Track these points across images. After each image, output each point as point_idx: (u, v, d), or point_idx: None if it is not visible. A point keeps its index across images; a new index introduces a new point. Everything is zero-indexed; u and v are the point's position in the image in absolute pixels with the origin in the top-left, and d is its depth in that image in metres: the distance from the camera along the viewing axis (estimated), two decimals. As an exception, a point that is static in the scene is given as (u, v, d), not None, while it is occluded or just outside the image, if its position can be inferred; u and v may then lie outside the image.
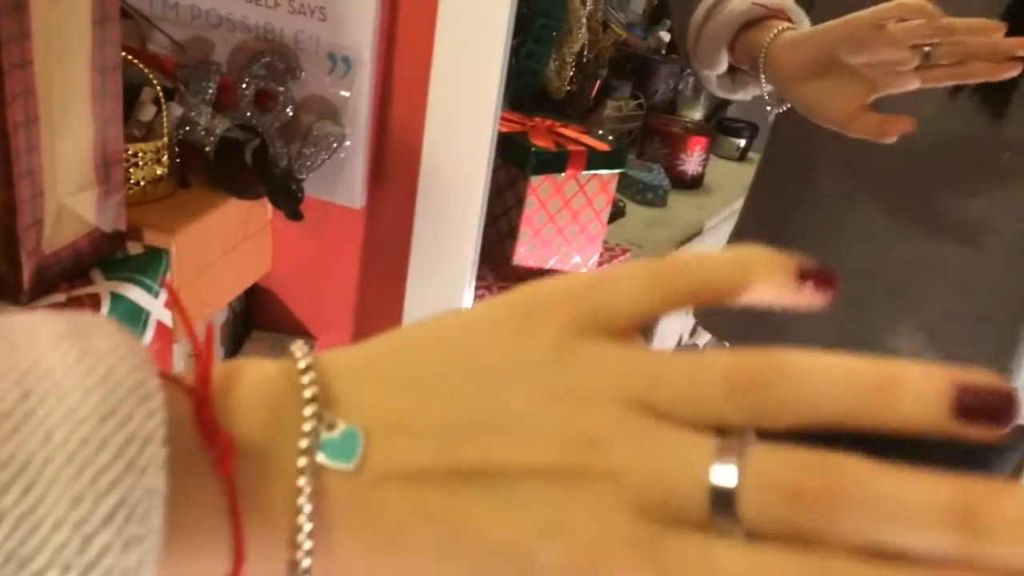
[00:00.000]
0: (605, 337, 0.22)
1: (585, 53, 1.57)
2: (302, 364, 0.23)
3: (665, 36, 1.79)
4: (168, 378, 0.22)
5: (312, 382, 0.22)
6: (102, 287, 0.70)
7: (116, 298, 0.71)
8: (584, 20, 1.52)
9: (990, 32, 0.67)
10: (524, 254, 1.12)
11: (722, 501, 0.20)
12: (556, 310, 0.23)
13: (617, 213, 1.44)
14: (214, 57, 0.86)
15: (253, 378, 0.23)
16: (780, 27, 0.79)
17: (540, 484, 0.21)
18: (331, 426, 0.22)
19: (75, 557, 0.18)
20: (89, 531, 0.18)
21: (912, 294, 0.91)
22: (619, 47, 1.68)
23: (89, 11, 0.66)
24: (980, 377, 0.20)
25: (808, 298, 0.23)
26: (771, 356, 0.21)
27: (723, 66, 0.87)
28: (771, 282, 0.23)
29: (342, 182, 0.87)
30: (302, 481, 0.21)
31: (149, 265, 0.74)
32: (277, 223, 0.91)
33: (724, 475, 0.20)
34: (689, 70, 1.78)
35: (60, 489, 0.18)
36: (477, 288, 1.09)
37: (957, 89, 0.82)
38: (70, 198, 0.68)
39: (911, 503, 0.19)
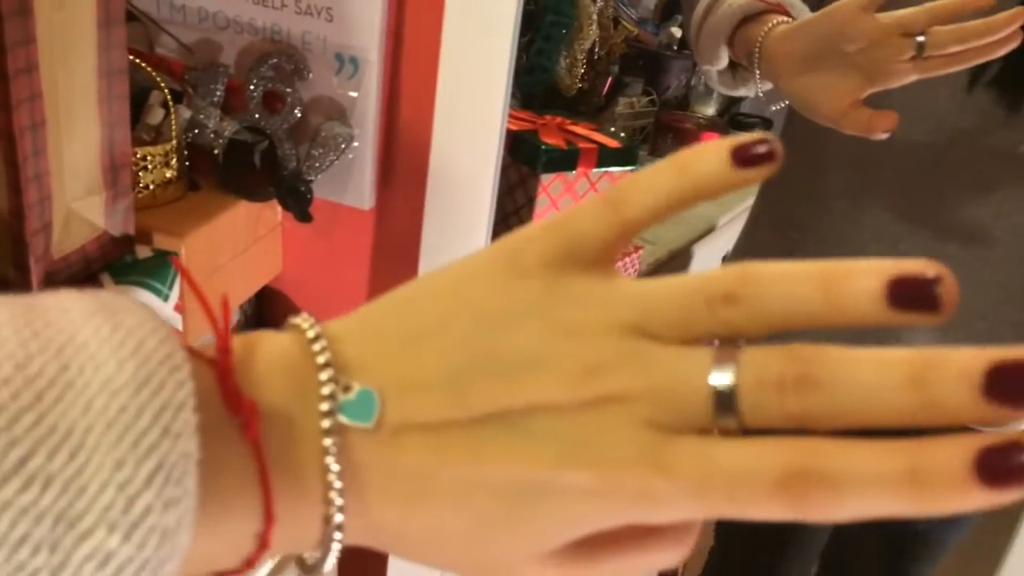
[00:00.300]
0: (586, 270, 0.24)
1: (596, 50, 1.56)
2: (311, 333, 0.24)
3: (677, 32, 1.78)
4: (190, 351, 0.23)
5: (324, 349, 0.23)
6: (111, 291, 0.70)
7: (125, 302, 0.71)
8: (595, 17, 1.51)
9: (980, 8, 0.65)
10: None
11: (723, 401, 0.22)
12: (534, 247, 0.24)
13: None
14: (222, 59, 0.86)
15: (270, 348, 0.24)
16: (775, 21, 0.77)
17: (553, 416, 0.22)
18: (347, 388, 0.23)
19: (120, 516, 0.18)
20: (132, 492, 0.19)
21: None
22: (630, 43, 1.67)
23: (94, 15, 0.66)
24: (912, 266, 0.21)
25: (753, 176, 0.24)
26: (741, 269, 0.23)
27: (723, 61, 0.86)
28: (712, 173, 0.24)
29: (351, 183, 0.86)
30: (327, 441, 0.22)
31: (158, 269, 0.74)
32: (287, 225, 0.91)
33: (722, 377, 0.22)
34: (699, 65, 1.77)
35: (103, 453, 0.19)
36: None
37: (973, 82, 0.80)
38: (78, 202, 0.68)
39: (875, 373, 0.21)
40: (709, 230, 1.50)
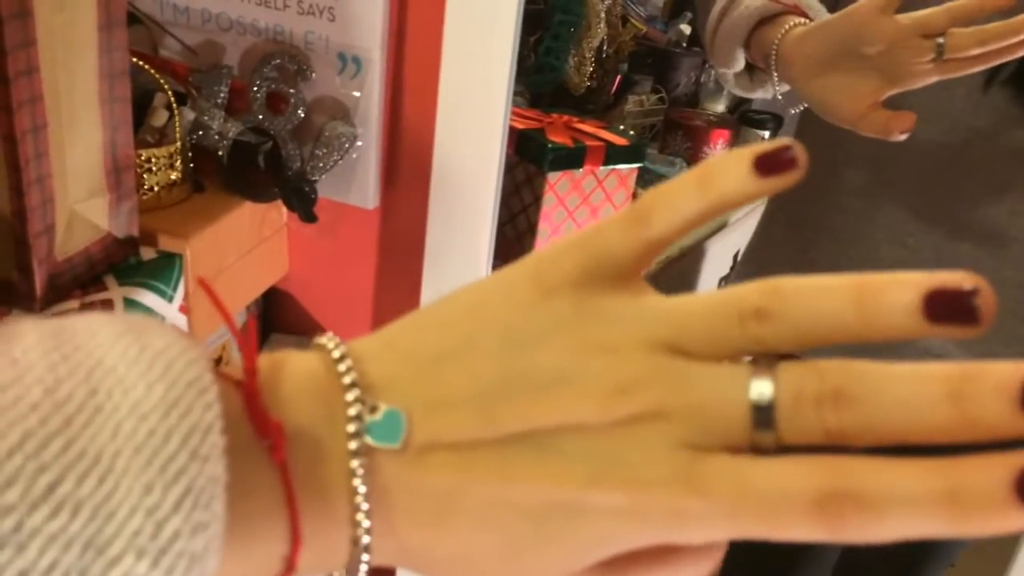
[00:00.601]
0: (614, 287, 0.24)
1: (604, 48, 1.55)
2: (336, 354, 0.24)
3: (686, 29, 1.77)
4: (217, 373, 0.22)
5: (349, 369, 0.23)
6: (115, 293, 0.70)
7: (129, 303, 0.71)
8: (603, 15, 1.51)
9: (1000, 9, 0.64)
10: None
11: (762, 415, 0.21)
12: (560, 266, 0.24)
13: (639, 209, 1.42)
14: (225, 61, 0.86)
15: (296, 369, 0.24)
16: (792, 23, 0.77)
17: (584, 435, 0.22)
18: (373, 409, 0.23)
19: (149, 542, 0.18)
20: (161, 517, 0.18)
21: None
22: (639, 41, 1.66)
23: (95, 17, 0.66)
24: (949, 278, 0.21)
25: (778, 184, 0.24)
26: (772, 284, 0.23)
27: (739, 64, 0.85)
28: (736, 185, 0.23)
29: (355, 183, 0.86)
30: (355, 463, 0.22)
31: (163, 270, 0.74)
32: (293, 226, 0.91)
33: (761, 391, 0.21)
34: (711, 65, 1.76)
35: (132, 478, 0.18)
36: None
37: (989, 81, 0.79)
38: (81, 204, 0.68)
39: (912, 388, 0.21)
40: (721, 226, 1.49)
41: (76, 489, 0.18)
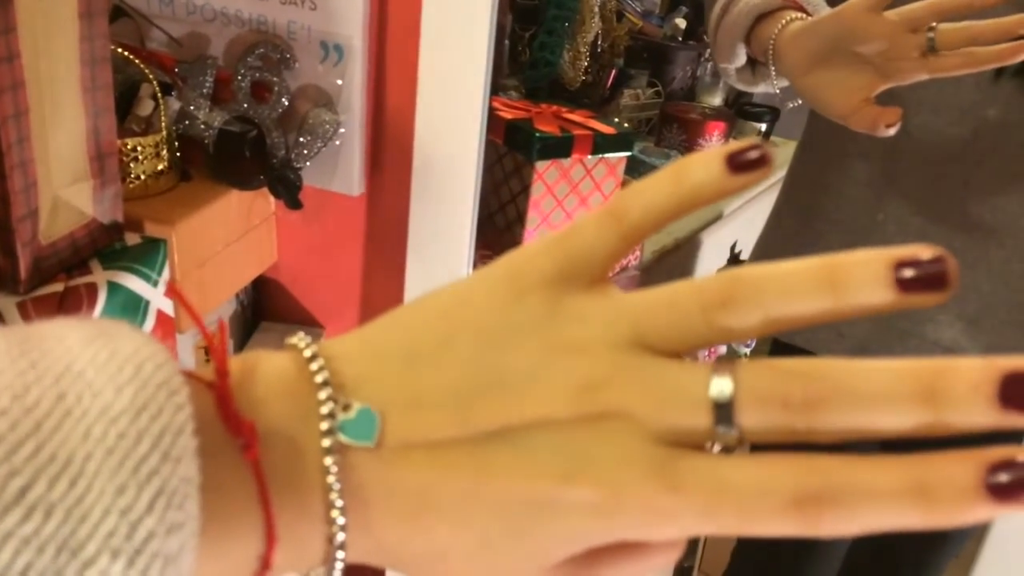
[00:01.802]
0: (586, 287, 0.24)
1: (599, 43, 1.56)
2: (307, 353, 0.24)
3: (682, 23, 1.78)
4: (188, 375, 0.22)
5: (321, 368, 0.23)
6: (99, 276, 0.72)
7: (113, 287, 0.72)
8: (597, 10, 1.51)
9: (984, 6, 0.64)
10: (532, 240, 1.11)
11: (722, 412, 0.22)
12: (536, 265, 0.24)
13: (634, 200, 1.42)
14: (210, 51, 0.87)
15: (267, 369, 0.24)
16: (789, 17, 0.77)
17: (556, 432, 0.22)
18: (346, 407, 0.23)
19: (124, 543, 0.18)
20: (135, 518, 0.18)
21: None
22: (635, 36, 1.67)
23: (75, 5, 0.67)
24: (909, 250, 0.22)
25: (747, 181, 0.24)
26: (734, 272, 0.23)
27: (741, 59, 0.86)
28: (707, 180, 0.24)
29: (340, 170, 0.87)
30: (328, 461, 0.22)
31: (147, 255, 0.75)
32: (280, 214, 0.92)
33: (720, 388, 0.22)
34: (707, 56, 1.76)
35: (104, 480, 0.18)
36: (486, 276, 1.09)
37: (999, 72, 0.79)
38: (65, 190, 0.70)
39: (882, 388, 0.21)
40: (716, 218, 1.49)
41: (48, 492, 0.18)
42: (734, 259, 1.58)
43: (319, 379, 0.23)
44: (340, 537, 0.22)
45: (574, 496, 0.22)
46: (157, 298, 0.76)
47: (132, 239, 0.76)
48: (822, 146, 0.97)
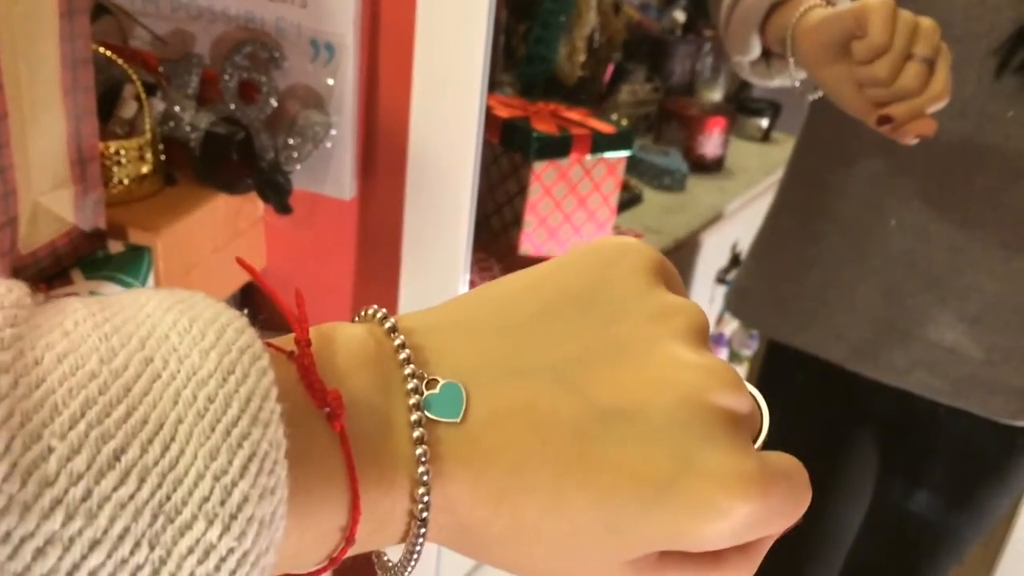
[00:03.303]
0: (668, 285, 0.25)
1: (596, 37, 1.53)
2: (387, 325, 0.23)
3: (680, 16, 1.75)
4: (267, 344, 0.22)
5: (403, 344, 0.23)
6: (81, 287, 0.69)
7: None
8: (593, 3, 1.49)
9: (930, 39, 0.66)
10: (530, 244, 1.09)
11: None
12: (638, 254, 0.24)
13: (633, 200, 1.40)
14: (195, 50, 0.84)
15: (345, 340, 0.23)
16: (807, 5, 0.75)
17: (671, 423, 0.21)
18: (431, 383, 0.22)
19: (219, 508, 0.18)
20: (228, 482, 0.18)
21: (956, 286, 0.87)
22: (632, 29, 1.64)
23: (55, 5, 0.64)
24: None
25: None
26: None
27: (755, 51, 0.83)
28: None
29: (331, 173, 0.85)
30: (416, 434, 0.22)
31: (131, 263, 0.72)
32: (269, 218, 0.89)
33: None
34: (706, 50, 1.74)
35: (196, 444, 0.18)
36: (483, 279, 1.07)
37: (1002, 67, 0.78)
38: (45, 196, 0.67)
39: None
40: (716, 217, 1.47)
41: (142, 456, 0.17)
42: (735, 259, 1.55)
43: (402, 355, 0.22)
44: (424, 514, 0.22)
45: (683, 499, 0.21)
46: (142, 308, 0.73)
47: (115, 247, 0.73)
48: (823, 143, 0.95)
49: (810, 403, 1.02)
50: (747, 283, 1.02)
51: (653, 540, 0.22)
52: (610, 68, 1.58)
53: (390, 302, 0.88)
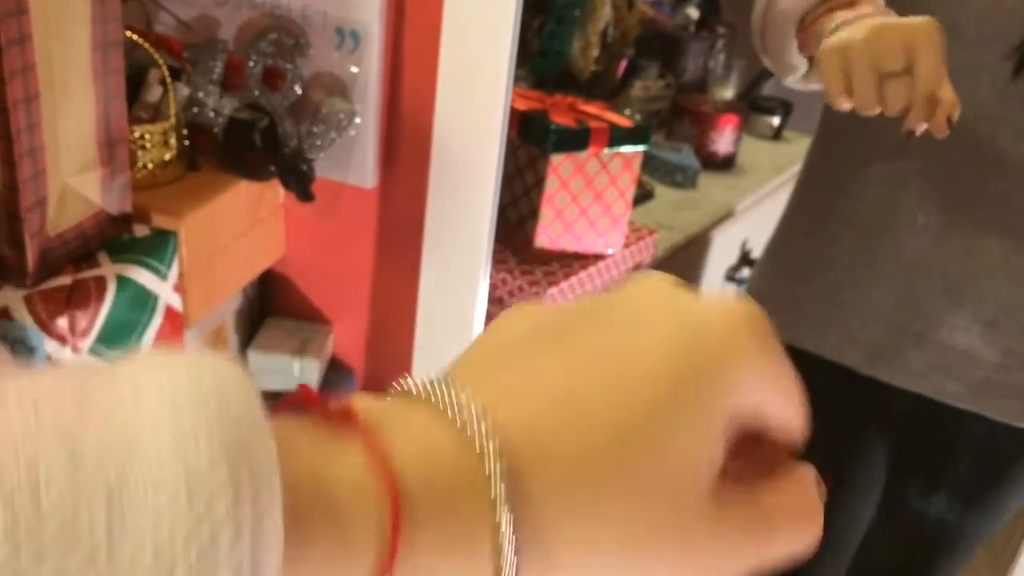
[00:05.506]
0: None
1: (610, 32, 1.54)
2: (487, 446, 0.19)
3: (694, 13, 1.75)
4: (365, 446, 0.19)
5: (500, 474, 0.19)
6: (108, 270, 0.69)
7: (123, 281, 0.69)
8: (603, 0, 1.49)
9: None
10: (546, 236, 1.09)
11: None
12: (755, 339, 0.22)
13: (645, 196, 1.41)
14: (220, 35, 0.84)
15: (421, 453, 0.19)
16: (839, 20, 0.74)
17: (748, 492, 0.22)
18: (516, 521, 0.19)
19: None
20: None
21: (971, 290, 0.88)
22: (646, 25, 1.64)
23: (87, -13, 0.64)
24: None
25: None
26: None
27: (802, 66, 0.83)
28: None
29: (354, 161, 0.85)
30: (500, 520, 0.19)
31: (157, 248, 0.73)
32: (290, 206, 0.90)
33: None
34: (720, 47, 1.74)
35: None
36: (498, 272, 1.07)
37: (1017, 70, 0.79)
38: (74, 178, 0.67)
39: None
40: (727, 215, 1.47)
41: None
42: (744, 258, 1.56)
43: (494, 494, 0.18)
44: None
45: (766, 555, 0.21)
46: (166, 292, 0.73)
47: (140, 230, 0.73)
48: (838, 145, 0.95)
49: (826, 406, 1.02)
50: (761, 286, 1.03)
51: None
52: (623, 64, 1.58)
53: (409, 293, 0.88)
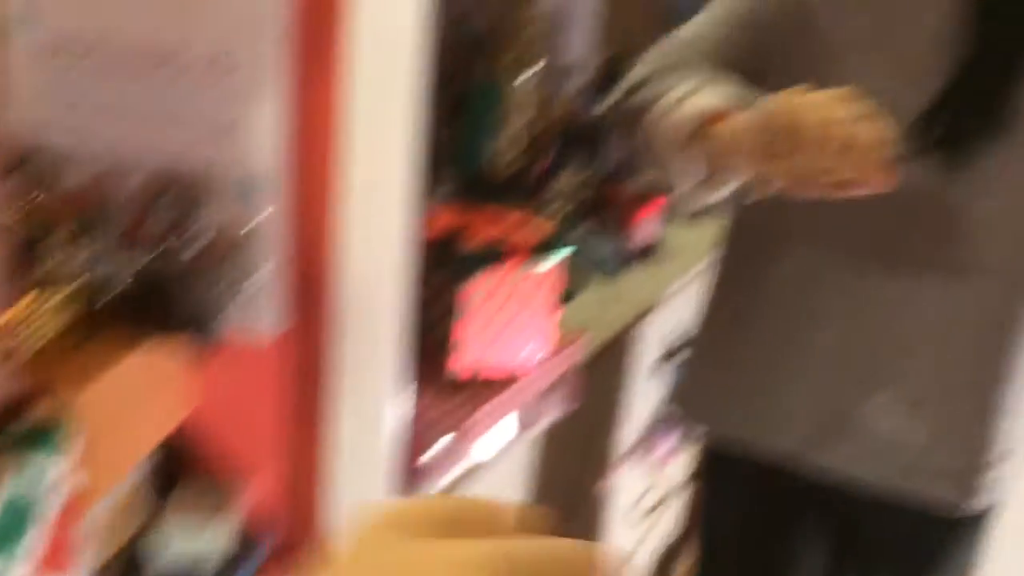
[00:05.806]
0: None
1: (529, 130, 1.55)
2: None
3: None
4: None
5: None
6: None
7: (17, 467, 0.67)
8: (525, 95, 1.51)
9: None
10: (465, 361, 1.09)
11: None
12: None
13: (567, 296, 1.41)
14: (122, 193, 0.83)
15: None
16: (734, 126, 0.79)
17: None
18: None
19: None
20: None
21: (893, 371, 0.90)
22: (567, 118, 1.66)
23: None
24: None
25: None
26: None
27: (701, 171, 0.84)
28: None
29: (259, 311, 0.84)
30: None
31: (52, 431, 0.70)
32: (198, 359, 0.88)
33: None
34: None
35: None
36: (420, 401, 1.06)
37: (922, 141, 0.82)
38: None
39: None
40: (649, 308, 1.49)
41: None
42: (670, 353, 1.57)
43: None
44: None
45: None
46: (64, 473, 0.71)
47: (35, 411, 0.71)
48: (746, 245, 0.98)
49: (757, 495, 1.03)
50: (691, 377, 1.04)
51: None
52: (546, 159, 1.60)
53: (327, 438, 0.87)
